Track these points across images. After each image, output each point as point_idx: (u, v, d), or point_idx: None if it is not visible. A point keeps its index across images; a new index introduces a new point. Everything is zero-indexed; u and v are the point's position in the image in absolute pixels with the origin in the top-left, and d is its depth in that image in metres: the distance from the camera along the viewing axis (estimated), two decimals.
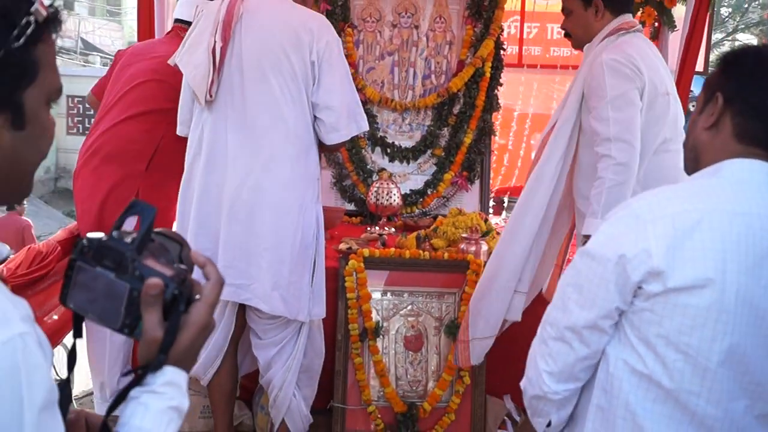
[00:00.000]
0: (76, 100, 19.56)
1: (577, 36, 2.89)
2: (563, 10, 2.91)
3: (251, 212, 2.69)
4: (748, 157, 1.43)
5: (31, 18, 0.92)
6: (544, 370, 1.53)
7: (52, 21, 0.96)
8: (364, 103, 4.34)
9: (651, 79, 2.68)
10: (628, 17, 2.83)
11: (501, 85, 4.53)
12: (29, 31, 0.91)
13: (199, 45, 2.74)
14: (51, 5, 0.96)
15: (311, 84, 2.71)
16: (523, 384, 1.62)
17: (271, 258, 2.70)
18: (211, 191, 2.74)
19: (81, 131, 19.32)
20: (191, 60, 2.76)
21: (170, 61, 2.91)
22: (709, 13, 4.23)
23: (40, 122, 0.99)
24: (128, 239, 1.01)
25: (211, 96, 2.70)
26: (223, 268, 2.68)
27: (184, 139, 2.86)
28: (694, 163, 1.54)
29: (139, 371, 1.03)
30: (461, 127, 4.45)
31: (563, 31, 2.97)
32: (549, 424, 1.59)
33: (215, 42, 2.68)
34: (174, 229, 2.89)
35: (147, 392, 1.01)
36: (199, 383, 3.01)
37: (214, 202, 2.74)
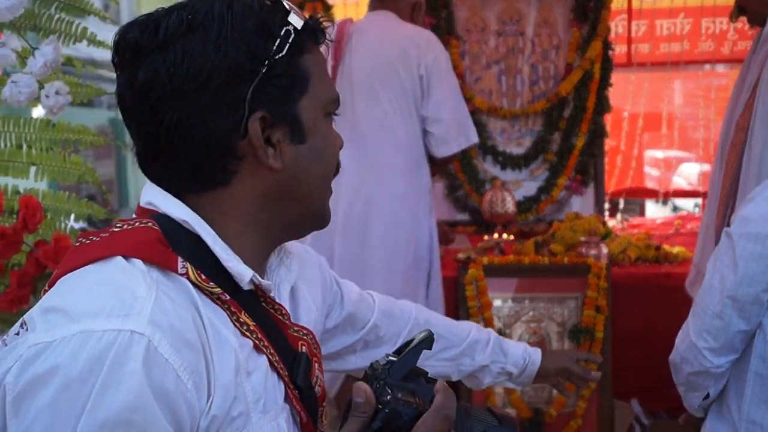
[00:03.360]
0: None
1: (751, 9, 2.63)
2: None
3: (364, 225, 2.75)
4: None
5: (290, 28, 0.91)
6: (704, 348, 1.58)
7: (315, 31, 0.96)
8: (473, 113, 4.35)
9: None
10: None
11: (611, 85, 4.46)
12: (290, 40, 0.91)
13: None
14: (311, 16, 0.96)
15: (420, 98, 2.76)
16: (676, 362, 1.69)
17: (384, 270, 2.76)
18: None
19: None
20: None
21: None
22: None
23: (321, 134, 0.98)
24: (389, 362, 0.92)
25: None
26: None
27: None
28: None
29: None
30: (572, 130, 4.41)
31: (738, 6, 2.71)
32: (706, 397, 1.66)
33: (327, 61, 2.77)
34: None
35: None
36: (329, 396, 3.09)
37: None
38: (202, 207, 0.94)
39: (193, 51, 0.87)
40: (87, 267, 0.87)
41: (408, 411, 0.87)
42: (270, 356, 0.95)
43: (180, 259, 0.89)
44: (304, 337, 1.02)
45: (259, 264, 0.98)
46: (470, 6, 4.47)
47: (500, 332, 3.21)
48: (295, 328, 1.01)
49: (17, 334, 0.83)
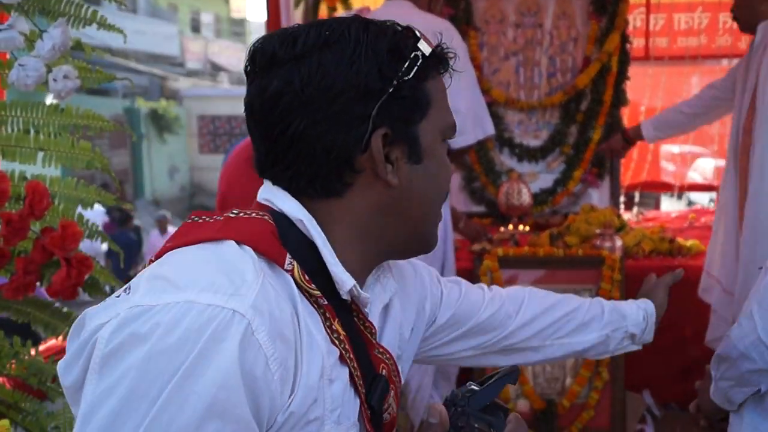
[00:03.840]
0: (206, 119, 20.51)
1: (743, 18, 2.92)
2: None
3: None
4: None
5: (419, 53, 0.97)
6: None
7: (441, 59, 1.02)
8: (491, 104, 4.37)
9: None
10: None
11: (628, 79, 4.47)
12: (418, 64, 0.96)
13: None
14: (438, 45, 1.01)
15: None
16: (732, 357, 1.63)
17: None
18: None
19: (212, 149, 20.24)
20: None
21: None
22: None
23: (437, 157, 1.03)
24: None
25: None
26: None
27: None
28: None
29: None
30: (589, 123, 4.42)
31: (732, 15, 3.01)
32: (758, 392, 1.63)
33: None
34: None
35: None
36: None
37: None
38: (316, 213, 0.97)
39: (327, 65, 0.92)
40: (199, 245, 0.90)
41: None
42: (352, 370, 0.97)
43: (288, 256, 0.92)
44: (386, 361, 1.04)
45: (359, 276, 1.01)
46: None
47: None
48: (380, 349, 1.03)
49: (118, 297, 0.86)
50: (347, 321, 0.97)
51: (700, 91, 3.40)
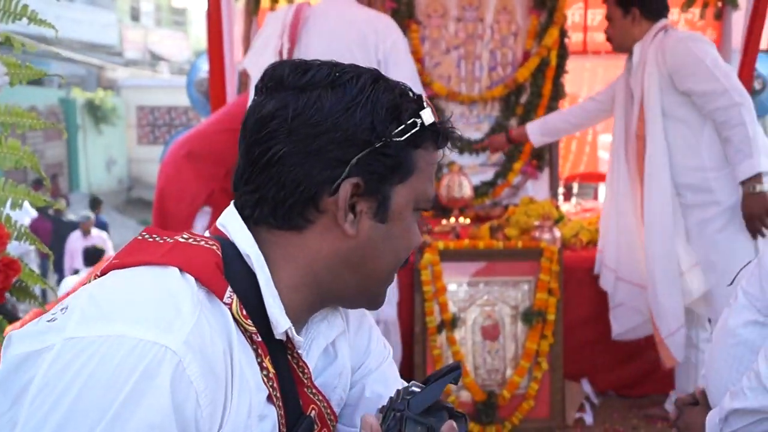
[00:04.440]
0: (145, 110, 20.15)
1: (617, 40, 3.22)
2: (606, 17, 3.24)
3: None
4: None
5: (419, 120, 0.96)
6: None
7: (440, 134, 1.00)
8: (432, 98, 4.40)
9: None
10: (665, 21, 3.13)
11: (566, 72, 4.54)
12: (413, 131, 0.96)
13: (267, 48, 2.84)
14: (443, 121, 1.01)
15: None
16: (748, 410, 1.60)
17: None
18: None
19: (151, 141, 19.89)
20: (259, 62, 2.87)
21: (238, 67, 3.04)
22: None
23: (404, 224, 1.01)
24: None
25: None
26: None
27: None
28: None
29: None
30: (528, 116, 4.47)
31: (606, 36, 3.29)
32: None
33: (282, 44, 2.78)
34: None
35: None
36: None
37: None
38: (271, 245, 0.97)
39: (324, 102, 0.94)
40: (143, 267, 0.90)
41: None
42: (278, 410, 0.96)
43: (229, 289, 0.92)
44: (318, 402, 1.03)
45: (301, 318, 1.01)
46: None
47: (454, 316, 3.29)
48: (313, 390, 1.02)
49: (52, 320, 0.84)
50: (279, 359, 0.97)
51: (584, 103, 3.64)
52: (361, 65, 1.01)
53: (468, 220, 4.08)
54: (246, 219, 0.98)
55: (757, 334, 1.67)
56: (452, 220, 4.00)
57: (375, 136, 0.94)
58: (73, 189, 17.64)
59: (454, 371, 0.93)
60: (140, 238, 0.96)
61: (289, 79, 0.96)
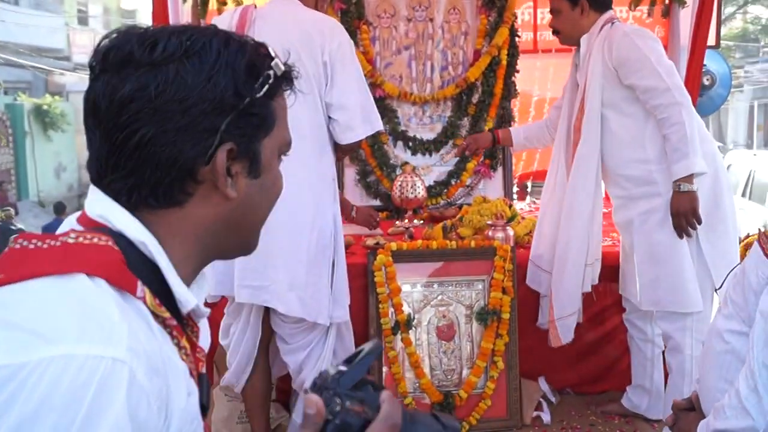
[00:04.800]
0: None
1: (566, 33, 3.25)
2: (551, 10, 3.26)
3: None
4: None
5: (272, 72, 0.99)
6: None
7: (286, 78, 1.03)
8: (383, 98, 4.39)
9: None
10: (611, 13, 3.19)
11: (518, 71, 4.56)
12: (270, 82, 0.98)
13: None
14: (285, 63, 1.03)
15: (324, 85, 2.75)
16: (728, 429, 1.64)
17: (287, 258, 2.73)
18: None
19: None
20: None
21: None
22: None
23: (273, 172, 1.05)
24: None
25: None
26: (241, 270, 2.75)
27: None
28: None
29: None
30: (481, 115, 4.49)
31: (552, 29, 3.32)
32: None
33: None
34: None
35: None
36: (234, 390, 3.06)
37: None
38: (156, 225, 0.96)
39: (185, 76, 0.92)
40: (45, 280, 0.83)
41: (357, 421, 0.88)
42: (194, 380, 0.98)
43: (140, 283, 0.90)
44: (203, 359, 1.05)
45: (188, 284, 1.01)
46: None
47: (409, 317, 3.27)
48: (198, 349, 1.04)
49: None
50: (188, 334, 0.99)
51: (551, 113, 3.67)
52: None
53: (422, 221, 4.06)
54: (123, 206, 0.95)
55: (742, 344, 1.71)
56: (406, 221, 3.98)
57: (240, 98, 0.95)
58: (22, 197, 17.27)
59: (376, 349, 0.95)
60: (18, 246, 0.89)
61: (139, 54, 0.92)
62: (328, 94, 2.74)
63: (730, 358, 1.75)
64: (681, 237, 2.98)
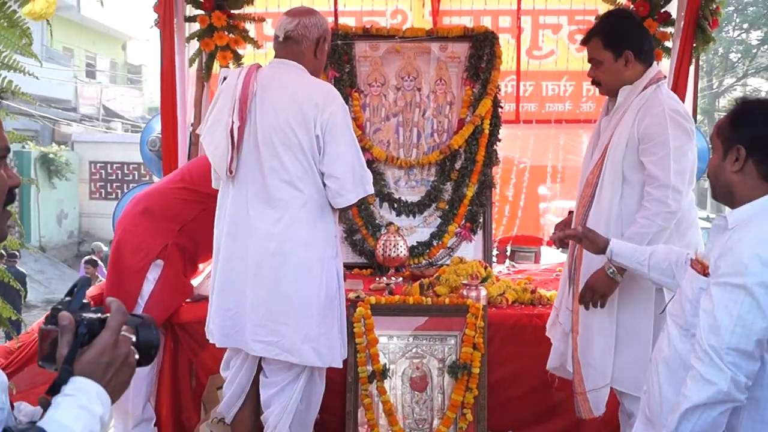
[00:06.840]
0: (98, 165, 20.14)
1: (608, 84, 3.11)
2: (591, 60, 3.14)
3: (275, 274, 2.95)
4: None
5: None
6: (734, 382, 1.87)
7: None
8: (372, 162, 4.64)
9: None
10: (657, 67, 3.10)
11: (499, 140, 4.82)
12: None
13: (219, 123, 3.01)
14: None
15: (318, 155, 2.98)
16: (697, 404, 1.91)
17: (298, 314, 2.96)
18: (234, 257, 3.04)
19: (103, 196, 19.85)
20: (213, 139, 3.05)
21: (198, 131, 3.24)
22: (694, 64, 4.49)
23: None
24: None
25: (231, 172, 3.01)
26: (254, 326, 2.98)
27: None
28: (729, 198, 2.08)
29: (56, 382, 1.27)
30: (463, 181, 4.73)
31: (591, 78, 3.19)
32: None
33: (233, 122, 2.96)
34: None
35: (61, 396, 1.23)
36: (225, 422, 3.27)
37: (239, 267, 3.03)
38: None
39: None
40: None
41: (96, 320, 1.30)
42: None
43: None
44: None
45: None
46: (372, 62, 4.80)
47: (385, 367, 3.47)
48: None
49: None
50: None
51: None
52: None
53: (401, 279, 4.28)
54: None
55: (684, 344, 2.10)
56: (386, 278, 4.20)
57: None
58: (24, 242, 17.41)
59: (84, 283, 1.35)
60: None
61: None
62: (320, 164, 2.97)
63: (677, 361, 2.11)
64: (586, 308, 2.97)
